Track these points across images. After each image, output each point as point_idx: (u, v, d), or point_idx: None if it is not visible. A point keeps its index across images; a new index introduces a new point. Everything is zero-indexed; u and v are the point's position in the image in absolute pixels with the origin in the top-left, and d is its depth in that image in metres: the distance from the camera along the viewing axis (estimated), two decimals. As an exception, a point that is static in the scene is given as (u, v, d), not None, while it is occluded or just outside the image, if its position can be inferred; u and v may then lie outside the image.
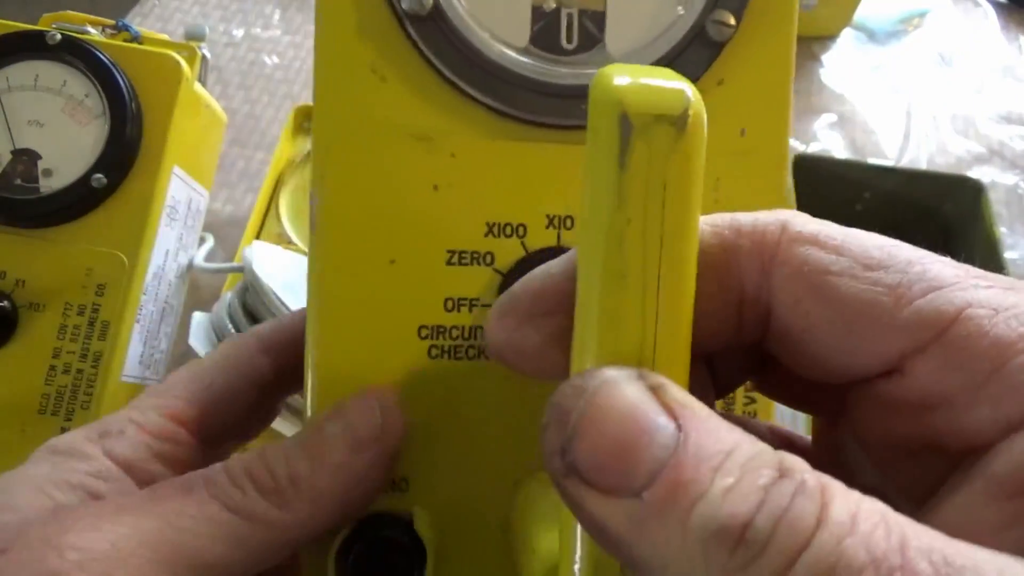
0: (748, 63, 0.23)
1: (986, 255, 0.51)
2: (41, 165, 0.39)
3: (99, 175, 0.38)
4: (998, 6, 0.79)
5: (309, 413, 0.22)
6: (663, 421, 0.13)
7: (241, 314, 0.41)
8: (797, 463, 0.13)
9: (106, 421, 0.22)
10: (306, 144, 0.59)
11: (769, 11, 0.23)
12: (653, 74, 0.15)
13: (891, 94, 0.71)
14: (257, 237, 0.54)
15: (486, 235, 0.22)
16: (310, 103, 0.63)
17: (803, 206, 0.49)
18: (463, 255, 0.22)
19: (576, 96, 0.22)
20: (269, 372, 0.25)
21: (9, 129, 0.39)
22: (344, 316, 0.22)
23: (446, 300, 0.22)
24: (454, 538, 0.22)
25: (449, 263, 0.22)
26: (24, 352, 0.38)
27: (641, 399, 0.14)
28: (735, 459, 0.13)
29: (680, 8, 0.22)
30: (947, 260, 0.16)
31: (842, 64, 0.73)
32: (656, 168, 0.15)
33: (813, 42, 0.74)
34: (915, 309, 0.15)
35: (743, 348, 0.18)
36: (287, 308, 0.40)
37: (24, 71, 0.39)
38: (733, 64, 0.23)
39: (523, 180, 0.22)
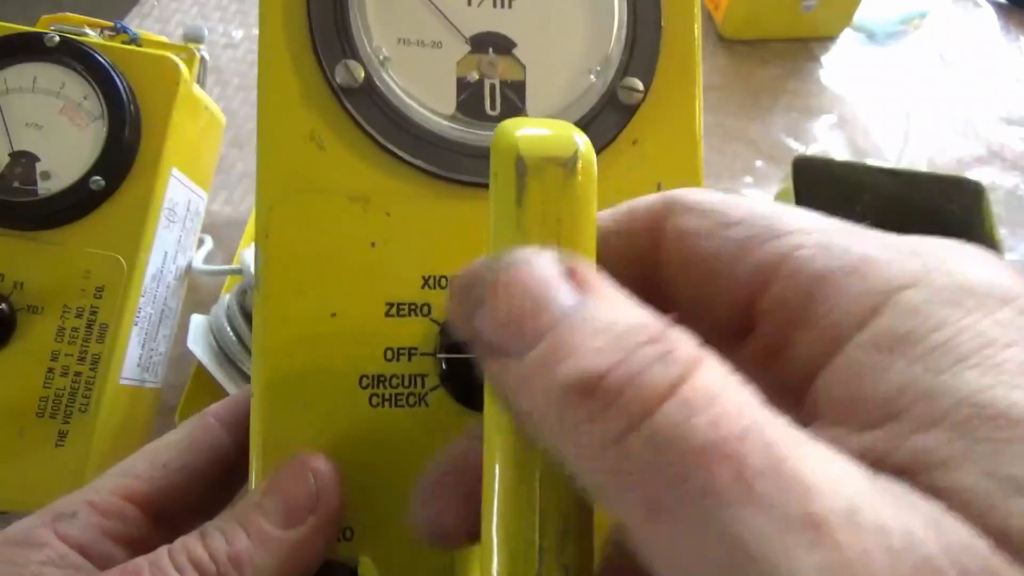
0: (659, 123, 0.25)
1: (986, 256, 0.51)
2: (39, 167, 0.39)
3: (97, 177, 0.38)
4: (998, 7, 0.79)
5: (253, 460, 0.23)
6: (564, 293, 0.14)
7: (239, 316, 0.41)
8: (678, 337, 0.13)
9: (60, 503, 0.23)
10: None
11: (675, 77, 0.25)
12: (548, 125, 0.17)
13: (891, 95, 0.71)
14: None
15: (423, 287, 0.23)
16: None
17: (803, 207, 0.49)
18: (401, 307, 0.23)
19: None
20: (231, 449, 0.25)
21: (7, 131, 0.39)
22: (288, 365, 0.23)
23: (386, 350, 0.23)
24: None
25: (388, 315, 0.23)
26: (22, 355, 0.38)
27: (548, 271, 0.14)
28: (617, 327, 0.13)
29: (592, 76, 0.25)
30: (806, 212, 0.16)
31: (842, 65, 0.73)
32: (550, 204, 0.16)
33: (813, 43, 0.74)
34: (754, 258, 0.16)
35: None
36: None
37: (22, 73, 0.39)
38: (645, 125, 0.25)
39: (454, 234, 0.24)
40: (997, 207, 0.57)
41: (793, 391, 0.15)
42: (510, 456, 0.16)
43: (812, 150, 0.67)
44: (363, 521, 0.22)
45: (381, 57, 0.24)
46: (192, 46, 0.44)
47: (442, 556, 0.22)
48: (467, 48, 0.24)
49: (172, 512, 0.24)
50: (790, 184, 0.51)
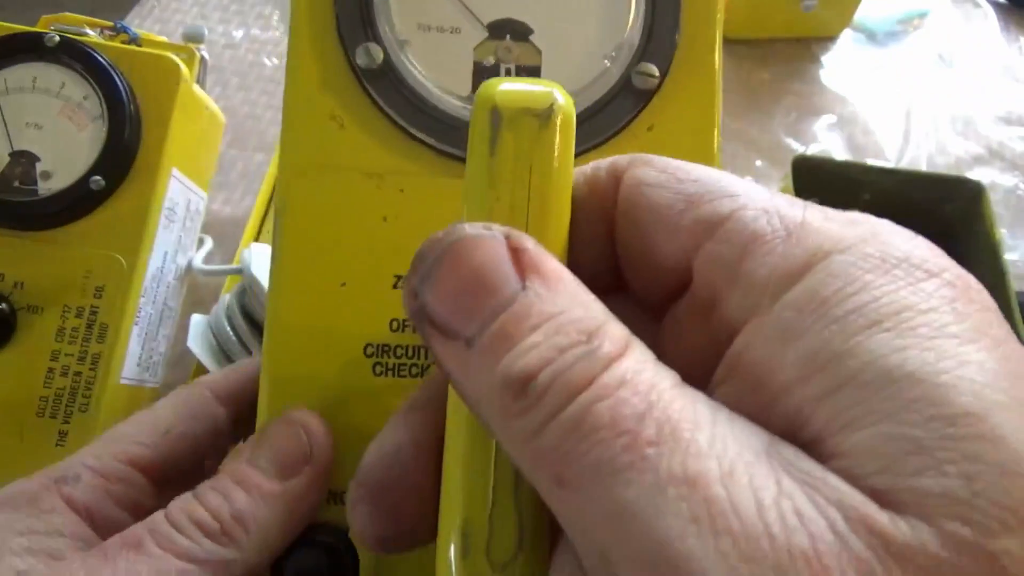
0: (675, 110, 0.25)
1: (986, 256, 0.51)
2: (39, 167, 0.39)
3: (97, 177, 0.38)
4: (998, 7, 0.79)
5: (260, 419, 0.24)
6: (509, 279, 0.14)
7: (240, 316, 0.41)
8: (612, 331, 0.14)
9: (62, 466, 0.23)
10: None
11: (693, 64, 0.25)
12: (529, 81, 0.18)
13: (891, 95, 0.71)
14: (256, 239, 0.54)
15: None
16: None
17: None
18: None
19: None
20: (225, 420, 0.26)
21: (7, 131, 0.39)
22: (297, 331, 0.24)
23: (391, 321, 0.24)
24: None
25: (395, 287, 0.24)
26: (22, 354, 0.38)
27: (494, 256, 0.15)
28: (556, 321, 0.14)
29: (607, 61, 0.25)
30: (763, 188, 0.16)
31: (842, 65, 0.73)
32: (522, 154, 0.16)
33: (813, 43, 0.74)
34: (698, 211, 0.16)
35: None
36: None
37: (22, 73, 0.39)
38: (661, 111, 0.25)
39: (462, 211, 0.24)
40: (997, 207, 0.57)
41: (717, 346, 0.15)
42: (466, 409, 0.16)
43: (812, 150, 0.67)
44: None
45: (401, 40, 0.25)
46: (192, 46, 0.44)
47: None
48: (485, 34, 0.25)
49: (173, 479, 0.24)
50: (790, 184, 0.51)
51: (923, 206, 0.55)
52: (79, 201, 0.38)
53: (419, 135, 0.24)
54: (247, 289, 0.42)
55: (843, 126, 0.69)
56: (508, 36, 0.25)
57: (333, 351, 0.24)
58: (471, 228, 0.15)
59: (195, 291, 0.51)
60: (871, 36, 0.75)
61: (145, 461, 0.23)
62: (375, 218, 0.24)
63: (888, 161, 0.67)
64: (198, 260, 0.47)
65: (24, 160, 0.39)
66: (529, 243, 0.15)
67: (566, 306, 0.14)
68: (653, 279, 0.17)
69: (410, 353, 0.24)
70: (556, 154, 0.17)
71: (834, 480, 0.12)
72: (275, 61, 0.68)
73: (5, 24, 0.40)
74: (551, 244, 0.16)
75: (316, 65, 0.24)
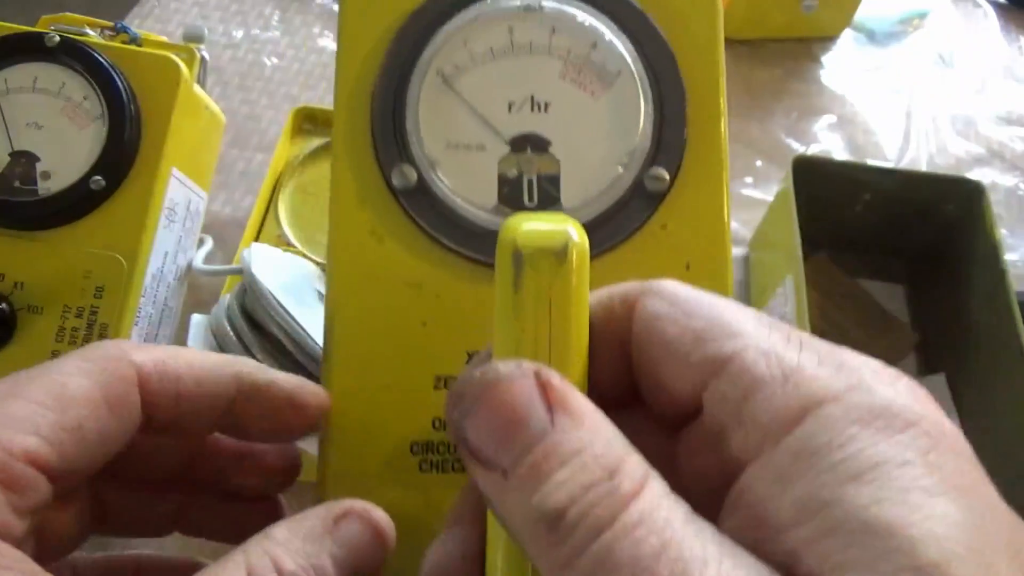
0: (687, 209, 0.27)
1: (986, 257, 0.51)
2: (40, 167, 0.39)
3: (98, 177, 0.38)
4: (998, 7, 0.79)
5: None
6: (538, 415, 0.16)
7: (240, 316, 0.41)
8: (630, 467, 0.16)
9: None
10: (305, 145, 0.59)
11: (702, 166, 0.27)
12: (548, 219, 0.19)
13: (891, 95, 0.71)
14: (256, 239, 0.54)
15: (467, 362, 0.26)
16: (309, 105, 0.63)
17: (803, 208, 0.49)
18: (449, 380, 0.26)
19: None
20: (140, 423, 0.22)
21: (8, 131, 0.39)
22: (349, 431, 0.25)
23: (434, 420, 0.26)
24: None
25: (436, 388, 0.26)
26: (23, 355, 0.38)
27: (525, 394, 0.17)
28: (581, 457, 0.16)
29: (620, 167, 0.27)
30: (766, 320, 0.18)
31: (842, 65, 0.73)
32: (542, 290, 0.19)
33: (813, 43, 0.74)
34: (706, 349, 0.18)
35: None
36: (285, 310, 0.40)
37: (23, 73, 0.39)
38: (674, 211, 0.27)
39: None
40: (997, 207, 0.57)
41: (724, 479, 0.17)
42: (504, 536, 0.18)
43: (812, 150, 0.67)
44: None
45: (432, 160, 0.27)
46: (192, 46, 0.44)
47: None
48: (507, 148, 0.27)
49: (75, 484, 0.22)
50: (790, 184, 0.51)
51: (923, 206, 0.55)
52: (79, 201, 0.38)
53: (451, 245, 0.26)
54: (247, 289, 0.42)
55: (843, 126, 0.69)
56: (529, 149, 0.27)
57: (383, 450, 0.25)
58: (504, 367, 0.17)
59: (195, 291, 0.51)
60: (871, 36, 0.75)
61: (45, 461, 0.20)
62: (415, 323, 0.26)
63: (888, 161, 0.67)
64: (198, 260, 0.47)
65: (24, 160, 0.39)
66: (555, 379, 0.17)
67: (589, 441, 0.16)
68: (668, 404, 0.19)
69: (453, 450, 0.25)
70: (573, 287, 0.19)
71: None
72: (275, 61, 0.68)
73: (5, 24, 0.40)
74: (572, 371, 0.19)
75: (356, 184, 0.27)
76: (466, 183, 0.27)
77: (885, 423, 0.15)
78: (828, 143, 0.68)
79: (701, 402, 0.18)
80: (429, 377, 0.26)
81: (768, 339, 0.17)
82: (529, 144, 0.27)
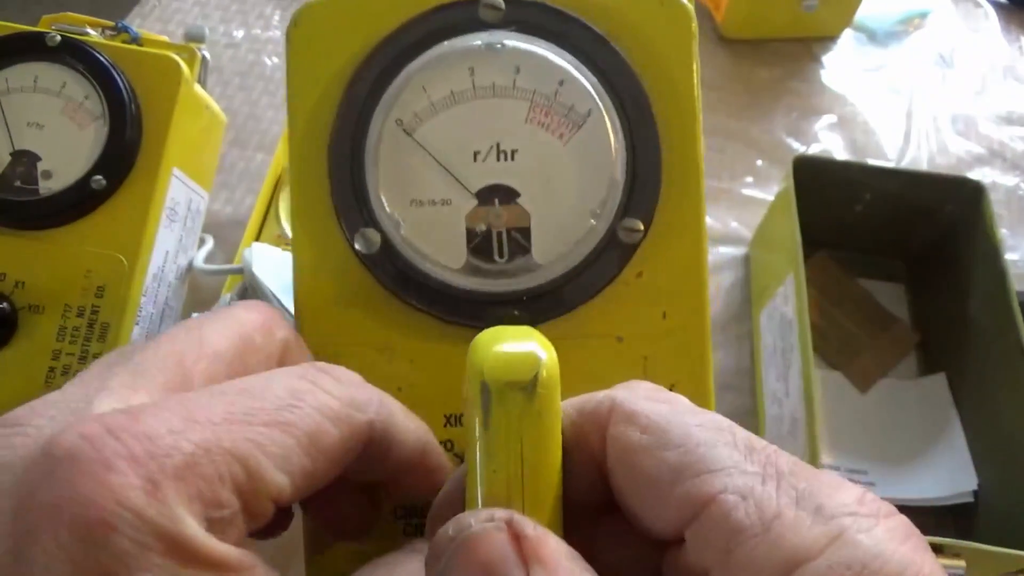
0: (663, 257, 0.26)
1: (986, 257, 0.51)
2: (41, 167, 0.39)
3: (99, 177, 0.38)
4: (999, 7, 0.79)
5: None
6: (514, 571, 0.16)
7: (241, 316, 0.41)
8: None
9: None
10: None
11: (678, 213, 0.26)
12: (514, 339, 0.19)
13: (891, 95, 0.71)
14: (257, 238, 0.54)
15: (445, 425, 0.26)
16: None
17: (803, 208, 0.49)
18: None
19: (509, 302, 0.26)
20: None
21: (9, 131, 0.39)
22: None
23: None
24: None
25: None
26: (24, 354, 0.38)
27: (499, 551, 0.16)
28: None
29: (592, 220, 0.26)
30: (741, 443, 0.18)
31: (842, 65, 0.73)
32: (512, 427, 0.18)
33: (813, 43, 0.74)
34: (684, 489, 0.18)
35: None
36: (286, 310, 0.40)
37: (24, 73, 0.39)
38: (650, 259, 0.26)
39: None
40: (997, 207, 0.57)
41: None
42: None
43: (812, 150, 0.67)
44: None
45: (395, 220, 0.26)
46: (193, 45, 0.44)
47: None
48: (475, 202, 0.26)
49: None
50: (791, 184, 0.51)
51: (923, 206, 0.55)
52: (80, 201, 0.38)
53: (423, 308, 0.26)
54: (248, 289, 0.42)
55: (843, 126, 0.69)
56: (496, 202, 0.26)
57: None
58: (476, 524, 0.17)
59: (196, 291, 0.51)
60: (872, 36, 0.75)
61: (284, 502, 0.18)
62: (390, 389, 0.24)
63: (889, 161, 0.67)
64: (199, 260, 0.47)
65: (25, 160, 0.39)
66: (528, 528, 0.17)
67: None
68: (650, 528, 0.19)
69: None
70: (543, 420, 0.19)
71: None
72: (275, 60, 0.68)
73: (6, 24, 0.40)
74: (545, 505, 0.19)
75: (319, 252, 0.26)
76: (433, 242, 0.26)
77: None
78: (828, 143, 0.68)
79: (683, 535, 0.18)
80: None
81: (745, 474, 0.17)
82: (497, 196, 0.26)
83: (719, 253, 0.61)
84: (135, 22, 0.68)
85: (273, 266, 0.43)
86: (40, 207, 0.38)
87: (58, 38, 0.39)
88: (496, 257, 0.26)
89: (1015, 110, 0.71)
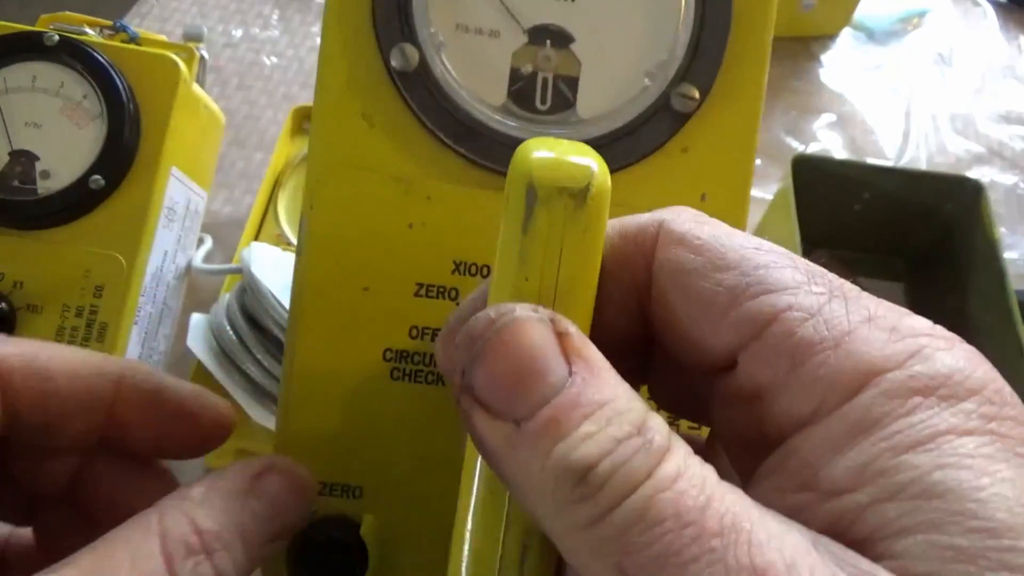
0: (712, 133, 0.24)
1: (985, 255, 0.51)
2: (39, 166, 0.39)
3: (97, 176, 0.38)
4: (998, 6, 0.79)
5: (280, 412, 0.24)
6: (557, 364, 0.15)
7: (239, 316, 0.41)
8: (656, 424, 0.15)
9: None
10: (305, 145, 0.59)
11: (737, 88, 0.24)
12: (568, 150, 0.17)
13: (890, 94, 0.71)
14: (256, 238, 0.54)
15: (453, 272, 0.24)
16: (309, 104, 0.63)
17: (802, 207, 0.49)
18: (430, 289, 0.24)
19: None
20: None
21: (7, 130, 0.39)
22: (318, 332, 0.24)
23: (411, 328, 0.24)
24: (400, 547, 0.23)
25: (417, 295, 0.24)
26: (22, 354, 0.38)
27: (543, 341, 0.15)
28: (605, 411, 0.15)
29: (647, 80, 0.24)
30: (802, 266, 0.17)
31: (841, 64, 0.73)
32: (555, 235, 0.17)
33: (812, 42, 0.74)
34: (744, 309, 0.16)
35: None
36: (285, 309, 0.40)
37: (22, 72, 0.39)
38: (698, 134, 0.24)
39: (490, 224, 0.23)
40: (997, 207, 0.57)
41: (763, 436, 0.17)
42: (485, 473, 0.17)
43: (812, 149, 0.67)
44: (373, 483, 0.24)
45: (438, 42, 0.24)
46: (192, 45, 0.44)
47: (445, 525, 0.22)
48: (525, 39, 0.24)
49: None
50: (790, 183, 0.51)
51: (923, 205, 0.55)
52: (79, 200, 0.38)
53: (450, 143, 0.24)
54: (247, 289, 0.42)
55: (843, 125, 0.69)
56: (548, 43, 0.24)
57: (353, 352, 0.24)
58: (521, 310, 0.16)
59: (195, 291, 0.51)
60: (870, 35, 0.75)
61: None
62: (401, 224, 0.24)
63: (888, 160, 0.67)
64: (198, 259, 0.47)
65: (24, 159, 0.39)
66: (572, 328, 0.16)
67: (612, 396, 0.15)
68: (696, 358, 0.18)
69: (427, 361, 0.24)
70: (588, 234, 0.17)
71: (884, 574, 0.13)
72: (274, 60, 0.68)
73: (5, 23, 0.40)
74: (578, 320, 0.17)
75: (349, 63, 0.24)
76: (474, 73, 0.24)
77: (948, 391, 0.15)
78: (827, 142, 0.68)
79: (735, 361, 0.17)
80: (410, 283, 0.24)
81: (811, 294, 0.16)
82: (550, 37, 0.24)
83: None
84: (133, 21, 0.68)
85: (272, 265, 0.43)
86: (38, 207, 0.38)
87: (56, 37, 0.39)
88: (538, 103, 0.24)
89: (1014, 109, 0.71)
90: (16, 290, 0.38)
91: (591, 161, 0.17)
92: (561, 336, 0.16)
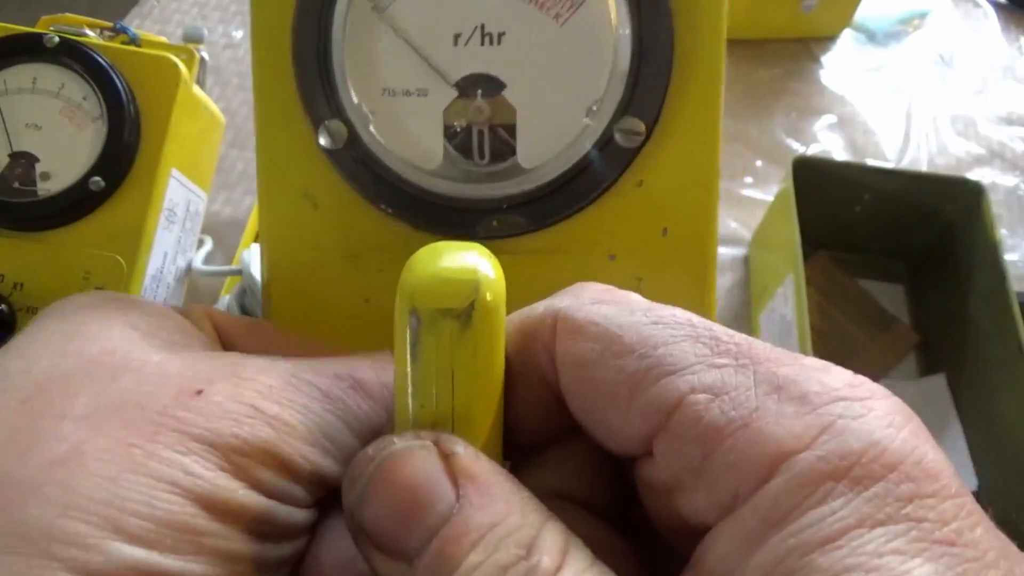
0: (667, 165, 0.23)
1: (986, 257, 0.51)
2: (39, 168, 0.39)
3: (97, 178, 0.38)
4: (998, 7, 0.79)
5: None
6: (443, 490, 0.15)
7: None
8: (548, 542, 0.14)
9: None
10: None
11: (688, 115, 0.22)
12: (452, 263, 0.16)
13: (891, 95, 0.71)
14: (256, 239, 0.54)
15: None
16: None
17: (803, 208, 0.49)
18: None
19: (489, 210, 0.23)
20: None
21: (7, 132, 0.39)
22: None
23: None
24: None
25: None
26: (22, 355, 0.38)
27: (427, 469, 0.15)
28: (495, 533, 0.14)
29: (587, 118, 0.22)
30: (704, 334, 0.16)
31: (842, 65, 0.73)
32: (443, 359, 0.16)
33: (813, 43, 0.74)
34: (647, 397, 0.16)
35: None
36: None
37: (22, 74, 0.39)
38: (652, 166, 0.23)
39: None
40: (997, 207, 0.57)
41: (688, 525, 0.16)
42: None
43: (812, 150, 0.67)
44: None
45: (363, 113, 0.23)
46: (192, 46, 0.43)
47: None
48: (454, 93, 0.23)
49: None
50: (790, 184, 0.51)
51: (923, 207, 0.55)
52: (79, 202, 0.38)
53: (391, 212, 0.23)
54: (247, 290, 0.42)
55: (843, 126, 0.69)
56: (480, 94, 0.23)
57: None
58: (400, 441, 0.15)
59: (195, 292, 0.51)
60: (871, 36, 0.75)
61: (300, 471, 0.18)
62: (357, 300, 0.23)
63: (888, 161, 0.67)
64: (198, 261, 0.47)
65: (24, 161, 0.39)
66: (459, 447, 0.15)
67: (502, 514, 0.15)
68: (614, 447, 0.17)
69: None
70: (480, 352, 0.16)
71: None
72: (275, 61, 0.68)
73: (5, 25, 0.40)
74: (479, 438, 0.16)
75: (285, 141, 0.23)
76: (405, 138, 0.23)
77: (862, 471, 0.14)
78: (828, 143, 0.68)
79: (650, 447, 0.16)
80: None
81: (713, 368, 0.15)
82: (480, 87, 0.23)
83: (718, 254, 0.61)
84: (134, 23, 0.68)
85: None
86: (38, 208, 0.38)
87: (56, 39, 0.39)
88: (476, 158, 0.23)
89: (1015, 110, 0.71)
90: (16, 292, 0.38)
91: (479, 267, 0.16)
92: (448, 458, 0.15)
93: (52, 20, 0.43)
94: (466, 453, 0.15)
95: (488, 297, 0.16)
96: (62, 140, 0.39)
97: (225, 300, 0.44)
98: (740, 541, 0.14)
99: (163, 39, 0.45)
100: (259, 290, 0.41)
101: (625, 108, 0.22)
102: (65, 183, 0.38)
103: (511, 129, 0.23)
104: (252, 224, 0.54)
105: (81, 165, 0.38)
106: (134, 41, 0.43)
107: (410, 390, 0.16)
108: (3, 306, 0.37)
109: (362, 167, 0.23)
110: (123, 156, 0.39)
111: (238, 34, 0.70)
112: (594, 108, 0.22)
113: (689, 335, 0.16)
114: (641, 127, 0.22)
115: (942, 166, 0.67)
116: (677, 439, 0.15)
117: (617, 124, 0.22)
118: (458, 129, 0.23)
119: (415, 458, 0.15)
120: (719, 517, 0.15)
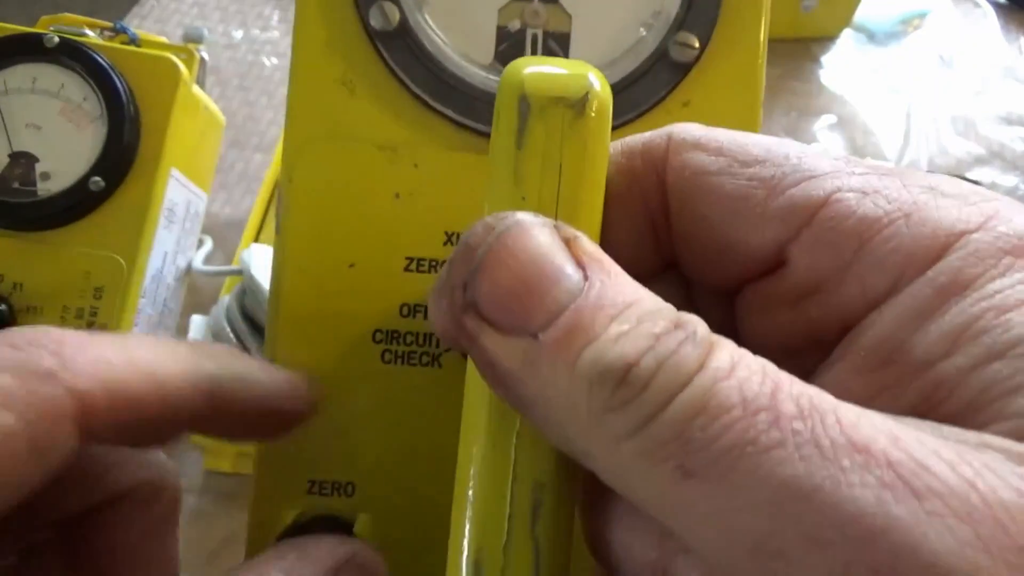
0: (715, 85, 0.23)
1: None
2: (39, 168, 0.39)
3: (97, 178, 0.38)
4: (998, 7, 0.79)
5: None
6: (570, 269, 0.13)
7: (239, 317, 0.41)
8: (694, 319, 0.13)
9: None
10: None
11: (737, 34, 0.22)
12: (563, 64, 0.16)
13: (891, 95, 0.71)
14: (256, 239, 0.54)
15: (444, 244, 0.22)
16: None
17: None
18: (421, 263, 0.22)
19: None
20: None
21: (7, 132, 0.39)
22: (302, 314, 0.22)
23: (402, 306, 0.22)
24: (397, 548, 0.22)
25: (407, 270, 0.22)
26: (22, 356, 0.38)
27: (551, 245, 0.14)
28: (634, 310, 0.13)
29: (643, 30, 0.23)
30: (829, 153, 0.16)
31: (842, 65, 0.73)
32: (552, 148, 0.15)
33: (812, 43, 0.74)
34: (787, 197, 0.15)
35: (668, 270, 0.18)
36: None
37: (22, 74, 0.39)
38: (699, 86, 0.22)
39: (481, 192, 0.23)
40: (997, 207, 0.56)
41: (818, 337, 0.15)
42: (485, 421, 0.15)
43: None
44: (366, 478, 0.22)
45: None
46: (191, 46, 0.43)
47: (443, 518, 0.22)
48: None
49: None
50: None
51: (923, 206, 0.55)
52: (78, 202, 0.38)
53: (436, 105, 0.22)
54: (247, 290, 0.42)
55: (843, 126, 0.69)
56: None
57: (340, 336, 0.22)
58: (523, 215, 0.14)
59: (195, 292, 0.51)
60: (871, 36, 0.75)
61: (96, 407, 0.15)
62: (387, 195, 0.22)
63: (888, 161, 0.67)
64: (198, 261, 0.47)
65: (23, 161, 0.39)
66: (580, 234, 0.14)
67: (635, 295, 0.13)
68: (727, 267, 0.16)
69: (421, 340, 0.22)
70: (590, 148, 0.15)
71: (998, 441, 0.12)
72: (274, 61, 0.68)
73: (5, 24, 0.40)
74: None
75: (325, 23, 0.22)
76: (459, 31, 0.22)
77: None
78: (827, 143, 0.68)
79: (780, 258, 0.15)
80: (399, 258, 0.22)
81: (856, 175, 0.15)
82: None
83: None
84: (133, 23, 0.68)
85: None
86: (38, 208, 0.38)
87: (56, 39, 0.39)
88: None
89: (1015, 110, 0.71)
90: (16, 292, 0.38)
91: (588, 72, 0.16)
92: (569, 241, 0.14)
93: (52, 20, 0.43)
94: (587, 240, 0.14)
95: (601, 90, 0.16)
96: (62, 140, 0.39)
97: (225, 300, 0.44)
98: (912, 315, 0.14)
99: (163, 39, 0.45)
100: (259, 290, 0.41)
101: (681, 23, 0.22)
102: (65, 183, 0.38)
103: (565, 37, 0.23)
104: (252, 224, 0.54)
105: (81, 165, 0.38)
106: (134, 41, 0.43)
107: (512, 180, 0.15)
108: (3, 306, 0.37)
109: (409, 54, 0.22)
110: (123, 156, 0.39)
111: (238, 34, 0.70)
112: (650, 20, 0.22)
113: (814, 151, 0.15)
114: (696, 42, 0.22)
115: (942, 166, 0.67)
116: (826, 233, 0.15)
117: (673, 38, 0.22)
118: (512, 31, 0.23)
119: (540, 232, 0.14)
120: (871, 307, 0.14)
